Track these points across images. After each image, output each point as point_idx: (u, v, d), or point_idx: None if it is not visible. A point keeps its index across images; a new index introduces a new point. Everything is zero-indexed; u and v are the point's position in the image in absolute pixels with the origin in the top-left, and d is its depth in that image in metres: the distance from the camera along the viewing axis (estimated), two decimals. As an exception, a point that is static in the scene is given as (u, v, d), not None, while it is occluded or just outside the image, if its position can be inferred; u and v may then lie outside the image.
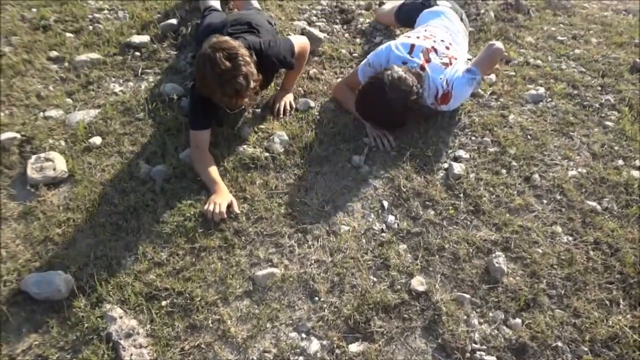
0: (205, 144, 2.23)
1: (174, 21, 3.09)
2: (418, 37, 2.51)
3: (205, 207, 2.01)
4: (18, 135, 2.38)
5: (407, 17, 2.89)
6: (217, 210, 1.99)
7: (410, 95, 2.19)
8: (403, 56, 2.40)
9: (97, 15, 3.28)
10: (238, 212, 2.03)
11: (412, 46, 2.44)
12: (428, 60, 2.40)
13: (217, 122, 2.34)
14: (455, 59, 2.45)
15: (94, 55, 2.87)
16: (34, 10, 3.38)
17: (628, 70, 2.96)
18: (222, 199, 2.04)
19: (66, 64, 2.85)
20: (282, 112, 2.48)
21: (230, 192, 2.13)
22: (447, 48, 2.50)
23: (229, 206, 2.03)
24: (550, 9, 3.60)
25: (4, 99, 2.61)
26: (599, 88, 2.81)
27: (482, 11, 3.37)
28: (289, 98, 2.54)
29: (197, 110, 2.25)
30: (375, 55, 2.46)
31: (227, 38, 2.12)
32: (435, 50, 2.45)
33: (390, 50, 2.43)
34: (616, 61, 3.03)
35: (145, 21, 3.17)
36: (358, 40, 3.07)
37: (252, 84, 2.11)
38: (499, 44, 2.48)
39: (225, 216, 2.00)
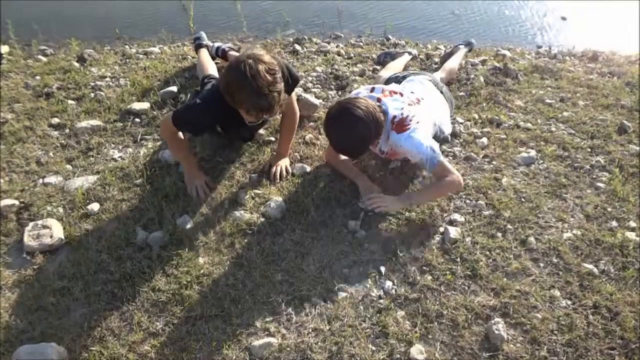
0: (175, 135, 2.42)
1: (173, 88, 3.18)
2: (384, 89, 2.50)
3: (191, 192, 2.42)
4: (17, 202, 2.39)
5: None
6: (202, 195, 2.40)
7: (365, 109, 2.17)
8: (363, 93, 2.44)
9: (99, 82, 3.38)
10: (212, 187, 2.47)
11: (372, 89, 2.47)
12: (388, 95, 2.41)
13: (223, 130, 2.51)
14: (419, 101, 2.47)
15: (95, 122, 2.94)
16: (37, 78, 3.49)
17: (616, 131, 3.03)
18: (200, 180, 2.44)
19: (67, 131, 2.92)
20: (278, 177, 2.52)
21: (227, 259, 2.13)
22: (418, 101, 2.49)
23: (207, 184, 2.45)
24: (537, 73, 3.73)
25: (5, 165, 2.64)
26: (589, 150, 2.87)
27: (472, 76, 3.49)
28: (284, 163, 2.58)
29: (197, 118, 2.30)
30: None
31: (263, 51, 2.16)
32: (400, 94, 2.46)
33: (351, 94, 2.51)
34: (604, 123, 3.11)
35: (146, 88, 3.27)
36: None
37: (280, 102, 2.14)
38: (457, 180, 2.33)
39: (209, 193, 2.43)
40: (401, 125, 2.29)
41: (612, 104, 3.35)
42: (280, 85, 2.09)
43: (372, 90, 2.45)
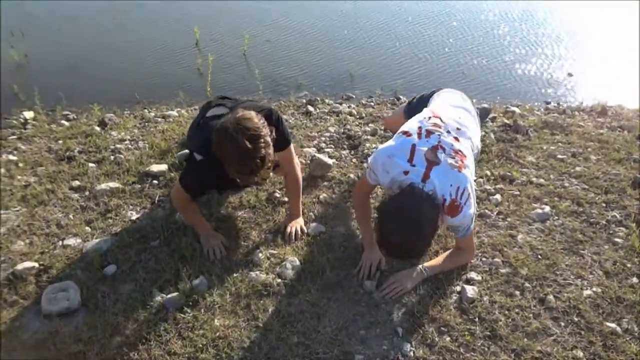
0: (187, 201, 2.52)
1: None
2: (420, 130, 2.18)
3: (207, 253, 2.45)
4: (36, 265, 2.43)
5: (416, 112, 2.51)
6: (217, 255, 2.44)
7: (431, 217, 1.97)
8: (403, 166, 2.07)
9: (118, 145, 3.49)
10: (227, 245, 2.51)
11: (413, 148, 2.10)
12: (433, 164, 2.06)
13: (218, 191, 2.58)
14: (464, 159, 2.13)
15: (114, 184, 3.01)
16: (60, 142, 3.61)
17: (630, 185, 3.03)
18: (215, 240, 2.48)
19: (87, 193, 2.99)
20: (293, 237, 2.54)
21: (243, 321, 2.12)
22: (456, 139, 2.19)
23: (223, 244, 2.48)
24: (547, 128, 3.78)
25: (26, 228, 2.70)
26: (604, 205, 2.86)
27: (483, 133, 3.54)
28: (299, 223, 2.61)
29: (196, 177, 2.40)
30: (373, 160, 2.21)
31: (252, 114, 2.16)
32: (443, 148, 2.11)
33: (385, 157, 2.14)
34: (617, 177, 3.12)
35: (164, 151, 3.37)
36: (365, 164, 3.20)
37: (268, 164, 2.16)
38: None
39: (225, 252, 2.46)
40: (454, 209, 2.06)
41: (624, 158, 3.36)
42: (265, 151, 2.11)
43: (412, 155, 2.09)
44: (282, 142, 2.43)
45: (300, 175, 2.71)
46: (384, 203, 2.11)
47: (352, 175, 3.05)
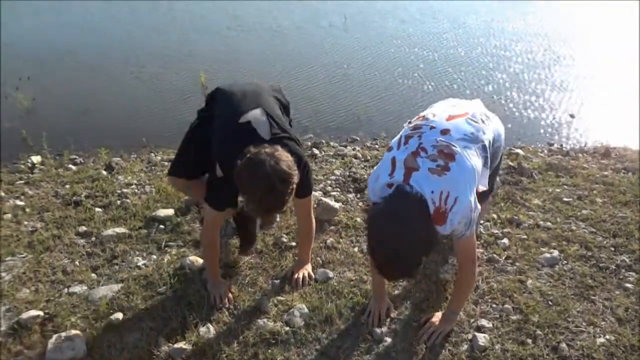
0: (220, 224, 2.53)
1: (197, 195, 3.28)
2: (400, 140, 2.01)
3: (214, 300, 2.43)
4: (41, 313, 2.40)
5: None
6: (225, 303, 2.41)
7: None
8: (385, 182, 1.90)
9: (125, 190, 3.51)
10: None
11: (393, 161, 1.92)
12: (412, 170, 1.86)
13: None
14: (453, 157, 1.89)
15: (120, 230, 3.01)
16: (67, 186, 3.64)
17: (637, 229, 3.02)
18: (222, 286, 2.47)
19: (93, 239, 2.98)
20: (300, 283, 2.52)
21: (251, 371, 2.09)
22: (446, 131, 1.97)
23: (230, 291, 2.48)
24: (552, 170, 3.80)
25: (32, 275, 2.69)
26: (612, 249, 2.85)
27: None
28: (307, 269, 2.59)
29: (222, 189, 2.31)
30: (367, 190, 2.07)
31: (289, 157, 2.07)
32: (424, 150, 1.90)
33: (373, 181, 2.00)
34: (624, 220, 3.11)
35: (170, 195, 3.38)
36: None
37: (284, 208, 2.24)
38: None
39: (232, 300, 2.45)
40: (439, 217, 1.85)
41: (630, 200, 3.36)
42: (290, 197, 2.07)
43: (393, 168, 1.90)
44: (304, 190, 2.37)
45: (314, 224, 2.62)
46: (371, 209, 1.91)
47: (358, 220, 3.05)
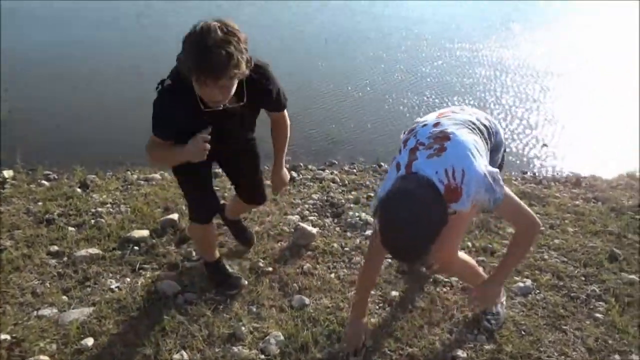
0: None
1: (174, 216, 3.25)
2: (399, 148, 2.01)
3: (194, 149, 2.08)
4: (8, 337, 2.33)
5: None
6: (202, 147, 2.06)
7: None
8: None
9: (99, 209, 3.45)
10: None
11: (397, 166, 1.91)
12: (412, 161, 1.85)
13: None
14: (449, 137, 1.87)
15: (94, 250, 2.96)
16: (39, 203, 3.56)
17: (607, 259, 3.09)
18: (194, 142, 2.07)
19: (65, 259, 2.92)
20: (277, 190, 2.76)
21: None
22: (437, 124, 1.96)
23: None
24: (525, 199, 3.87)
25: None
26: (583, 278, 2.91)
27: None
28: (282, 177, 2.65)
29: (162, 117, 2.12)
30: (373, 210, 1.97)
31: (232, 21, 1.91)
32: (422, 144, 1.90)
33: (381, 192, 1.91)
34: (594, 250, 3.19)
35: (146, 215, 3.34)
36: (349, 233, 3.22)
37: (233, 74, 1.85)
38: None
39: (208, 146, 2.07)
40: (452, 193, 1.78)
41: (600, 230, 3.45)
42: (236, 53, 1.81)
43: (398, 169, 1.90)
44: (277, 104, 2.33)
45: (288, 127, 2.49)
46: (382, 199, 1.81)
47: (335, 245, 3.06)
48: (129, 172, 4.20)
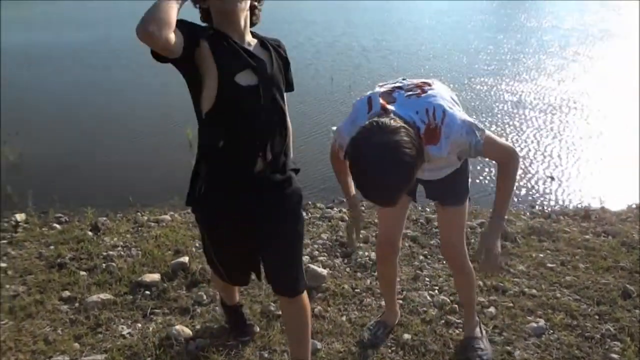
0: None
1: (184, 259, 3.27)
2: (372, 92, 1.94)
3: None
4: (21, 387, 2.34)
5: None
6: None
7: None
8: (363, 122, 1.70)
9: (111, 252, 3.48)
10: None
11: (369, 100, 1.87)
12: (390, 101, 1.82)
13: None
14: (429, 84, 1.89)
15: (105, 296, 2.97)
16: (51, 247, 3.60)
17: (620, 296, 3.06)
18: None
19: (77, 305, 2.94)
20: None
21: None
22: (418, 85, 1.91)
23: None
24: (535, 234, 3.87)
25: (12, 344, 2.62)
26: (597, 317, 2.88)
27: (472, 240, 3.61)
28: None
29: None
30: (342, 137, 1.89)
31: None
32: (400, 88, 1.90)
33: (349, 126, 1.87)
34: (607, 287, 3.16)
35: (156, 258, 3.36)
36: (359, 274, 3.22)
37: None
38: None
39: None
40: (431, 134, 1.76)
41: (611, 266, 3.42)
42: None
43: (370, 105, 1.86)
44: (290, 81, 2.03)
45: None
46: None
47: (346, 286, 3.06)
48: (139, 214, 4.25)
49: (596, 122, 6.86)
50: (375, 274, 3.20)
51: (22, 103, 6.67)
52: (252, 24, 1.86)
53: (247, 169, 1.85)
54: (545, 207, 4.74)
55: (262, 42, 1.87)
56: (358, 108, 1.90)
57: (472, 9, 16.76)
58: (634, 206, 4.69)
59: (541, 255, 3.55)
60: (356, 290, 3.05)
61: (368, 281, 3.14)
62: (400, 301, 2.91)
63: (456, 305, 2.89)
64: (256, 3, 1.85)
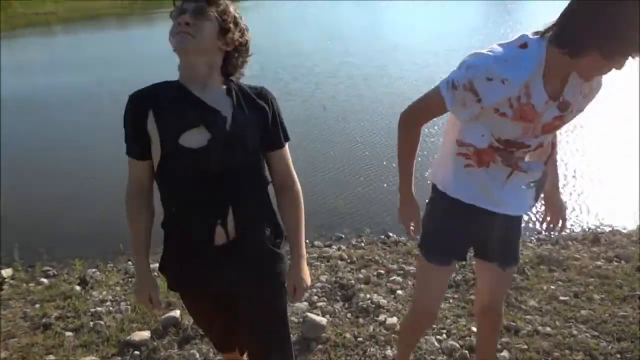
0: (145, 184, 1.69)
1: (176, 313, 3.08)
2: None
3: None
4: None
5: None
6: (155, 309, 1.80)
7: None
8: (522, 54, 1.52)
9: (99, 308, 3.30)
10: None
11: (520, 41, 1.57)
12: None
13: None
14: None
15: (92, 359, 2.78)
16: (37, 306, 3.42)
17: (641, 329, 2.87)
18: (146, 291, 1.75)
19: (61, 370, 2.75)
20: (297, 296, 1.75)
21: None
22: None
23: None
24: (544, 264, 3.69)
25: (-11, 420, 2.43)
26: (619, 355, 2.68)
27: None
28: (301, 273, 1.73)
29: (128, 133, 1.63)
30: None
31: None
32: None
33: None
34: (626, 320, 2.96)
35: (147, 313, 3.17)
36: (361, 320, 3.03)
37: (224, 20, 1.53)
38: None
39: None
40: None
41: (628, 295, 3.24)
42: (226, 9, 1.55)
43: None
44: (277, 135, 1.69)
45: (299, 190, 1.79)
46: None
47: (348, 335, 2.86)
48: (129, 263, 4.07)
49: (597, 139, 6.72)
50: (378, 318, 3.01)
51: (6, 156, 6.55)
52: (228, 75, 1.64)
53: (203, 242, 1.62)
54: (552, 233, 4.56)
55: (230, 91, 1.60)
56: (509, 50, 1.54)
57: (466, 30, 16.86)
58: (643, 226, 4.53)
59: (552, 287, 3.36)
60: (359, 339, 2.85)
61: (371, 328, 2.94)
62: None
63: (466, 351, 2.69)
64: (233, 51, 1.60)
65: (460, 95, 1.57)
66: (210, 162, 1.55)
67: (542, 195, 1.94)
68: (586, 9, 1.37)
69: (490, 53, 1.53)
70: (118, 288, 3.61)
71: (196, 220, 1.61)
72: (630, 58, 1.38)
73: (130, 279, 3.74)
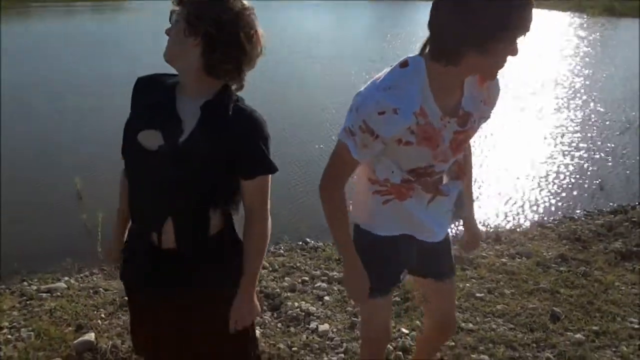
0: None
1: (89, 336, 2.80)
2: None
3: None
4: None
5: None
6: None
7: None
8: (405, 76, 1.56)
9: (-6, 337, 2.90)
10: None
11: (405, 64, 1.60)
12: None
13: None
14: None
15: (-9, 397, 2.44)
16: None
17: (549, 319, 3.11)
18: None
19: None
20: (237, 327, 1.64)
21: None
22: None
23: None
24: (458, 263, 3.87)
25: None
26: (534, 345, 2.88)
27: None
28: (245, 308, 1.63)
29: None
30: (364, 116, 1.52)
31: None
32: None
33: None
34: (535, 311, 3.20)
35: (55, 338, 2.85)
36: (292, 329, 2.97)
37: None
38: None
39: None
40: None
41: (534, 288, 3.50)
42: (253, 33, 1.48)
43: None
44: (249, 166, 1.56)
45: (269, 232, 1.68)
46: None
47: (282, 346, 2.78)
48: (25, 283, 3.64)
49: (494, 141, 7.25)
50: (310, 326, 2.97)
51: None
52: (218, 77, 1.51)
53: (145, 240, 1.62)
54: (457, 234, 4.83)
55: (208, 105, 1.51)
56: (392, 74, 1.55)
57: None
58: (536, 223, 4.96)
59: (468, 285, 3.55)
60: (293, 348, 2.78)
61: (304, 336, 2.89)
62: (342, 355, 2.71)
63: (400, 353, 2.74)
64: (207, 43, 1.45)
65: (359, 138, 1.52)
66: (156, 167, 1.53)
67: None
68: (442, 15, 1.40)
69: (373, 85, 1.54)
70: (15, 313, 3.20)
71: (139, 221, 1.66)
72: (515, 39, 1.38)
73: (28, 302, 3.34)
